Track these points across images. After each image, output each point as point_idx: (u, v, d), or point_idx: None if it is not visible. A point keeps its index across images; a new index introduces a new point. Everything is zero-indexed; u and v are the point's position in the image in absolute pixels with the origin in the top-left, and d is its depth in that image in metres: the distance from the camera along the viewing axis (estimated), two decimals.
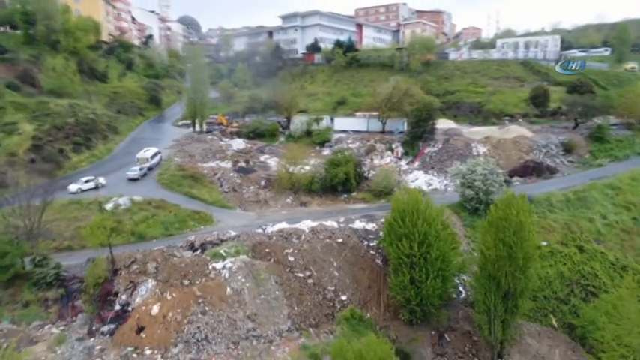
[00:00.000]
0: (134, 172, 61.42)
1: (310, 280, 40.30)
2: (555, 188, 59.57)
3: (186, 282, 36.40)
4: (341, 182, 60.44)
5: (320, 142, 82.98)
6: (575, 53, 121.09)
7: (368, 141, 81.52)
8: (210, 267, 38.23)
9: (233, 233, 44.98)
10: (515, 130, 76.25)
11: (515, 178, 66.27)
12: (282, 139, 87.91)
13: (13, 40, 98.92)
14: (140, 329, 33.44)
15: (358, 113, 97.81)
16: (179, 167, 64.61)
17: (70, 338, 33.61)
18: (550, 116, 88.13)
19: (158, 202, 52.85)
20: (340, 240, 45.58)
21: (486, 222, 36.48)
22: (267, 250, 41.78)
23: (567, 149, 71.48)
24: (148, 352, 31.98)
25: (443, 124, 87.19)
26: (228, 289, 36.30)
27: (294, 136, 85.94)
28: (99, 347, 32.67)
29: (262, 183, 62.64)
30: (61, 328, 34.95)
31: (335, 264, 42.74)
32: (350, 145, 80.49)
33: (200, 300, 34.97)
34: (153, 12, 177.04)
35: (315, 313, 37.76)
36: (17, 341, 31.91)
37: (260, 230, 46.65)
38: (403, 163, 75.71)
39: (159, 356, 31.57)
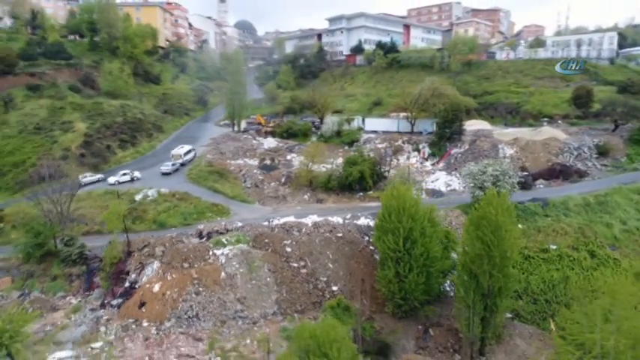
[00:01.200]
0: (167, 167, 66.95)
1: (304, 270, 42.78)
2: (579, 192, 57.76)
3: (186, 265, 40.23)
4: (356, 180, 62.17)
5: (349, 142, 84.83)
6: (637, 51, 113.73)
7: (396, 141, 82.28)
8: (210, 253, 41.85)
9: (240, 224, 48.49)
10: (548, 132, 73.86)
11: (539, 181, 64.71)
12: (314, 138, 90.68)
13: (80, 48, 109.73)
14: (142, 304, 37.67)
15: (393, 114, 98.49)
16: (208, 163, 69.41)
17: (85, 308, 38.56)
18: (593, 117, 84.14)
19: (182, 194, 57.59)
20: (340, 234, 47.61)
21: (468, 220, 37.13)
22: (266, 240, 44.76)
23: (602, 152, 68.40)
24: (145, 324, 36.06)
25: (477, 125, 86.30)
26: (223, 274, 39.68)
27: (324, 136, 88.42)
28: (106, 317, 37.26)
29: (282, 180, 65.83)
30: (79, 299, 40.13)
31: (331, 257, 44.89)
32: (377, 145, 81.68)
33: (196, 282, 38.65)
34: (210, 18, 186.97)
35: (302, 300, 40.20)
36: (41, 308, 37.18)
37: (266, 223, 49.74)
38: (428, 163, 76.00)
39: (153, 328, 35.50)
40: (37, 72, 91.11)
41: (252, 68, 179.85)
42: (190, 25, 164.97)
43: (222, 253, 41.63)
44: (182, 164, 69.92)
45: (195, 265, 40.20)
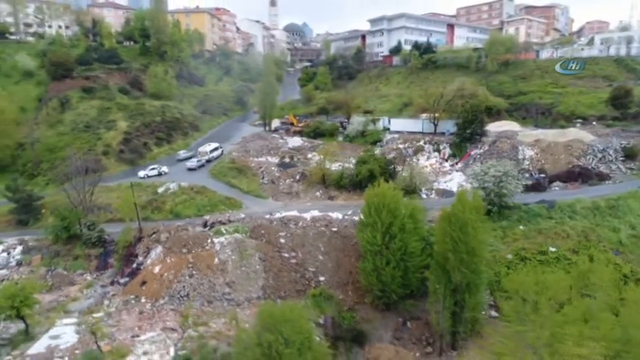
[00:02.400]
0: (192, 163, 72.32)
1: (294, 260, 45.64)
2: (595, 195, 56.16)
3: (184, 250, 44.40)
4: (365, 178, 63.93)
5: (372, 142, 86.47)
6: None
7: (418, 142, 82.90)
8: (209, 241, 45.79)
9: (242, 216, 52.18)
10: (572, 134, 71.59)
11: (556, 183, 63.23)
12: (340, 138, 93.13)
13: (131, 52, 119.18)
14: (143, 283, 42.25)
15: (423, 115, 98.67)
16: (231, 160, 74.01)
17: (96, 285, 43.85)
18: (632, 119, 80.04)
19: (199, 188, 62.32)
20: (335, 229, 49.99)
21: (440, 217, 38.30)
22: (262, 231, 48.06)
23: (629, 155, 65.53)
24: (143, 300, 40.52)
25: (505, 126, 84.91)
26: (216, 260, 43.45)
27: (349, 136, 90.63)
28: (112, 293, 42.23)
29: (297, 177, 68.95)
30: (94, 277, 45.53)
31: (322, 249, 47.43)
32: (399, 145, 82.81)
33: (190, 265, 42.70)
34: (258, 21, 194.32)
35: (288, 287, 43.06)
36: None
37: (268, 216, 53.04)
38: (447, 164, 76.16)
39: (149, 304, 39.86)
40: (92, 75, 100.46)
41: (298, 70, 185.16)
42: (238, 29, 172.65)
43: (219, 241, 45.40)
44: (208, 161, 74.95)
45: (193, 251, 44.27)
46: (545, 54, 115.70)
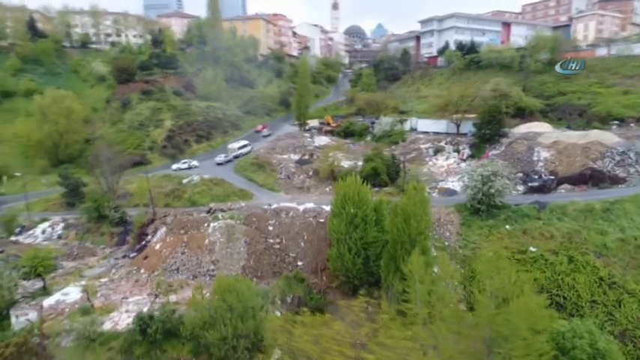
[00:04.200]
0: (220, 158, 79.81)
1: (277, 246, 50.65)
2: (598, 198, 54.98)
3: (182, 232, 51.15)
4: (369, 175, 67.03)
5: (396, 142, 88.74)
6: None
7: (440, 142, 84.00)
8: (205, 225, 52.17)
9: (242, 205, 57.98)
10: (594, 135, 69.14)
11: (564, 185, 62.05)
12: (368, 138, 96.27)
13: (189, 58, 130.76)
14: (145, 257, 49.59)
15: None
16: (255, 157, 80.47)
17: (111, 257, 51.99)
18: None
19: (218, 180, 69.25)
20: (322, 220, 54.10)
21: (392, 209, 41.17)
22: (254, 219, 53.54)
23: None
24: (142, 271, 47.79)
25: (537, 127, 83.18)
26: (207, 241, 49.67)
27: (376, 136, 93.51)
28: (120, 264, 50.07)
29: (310, 173, 73.67)
30: (111, 251, 53.75)
31: (305, 237, 51.89)
32: (420, 145, 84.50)
33: (184, 244, 49.30)
34: (316, 25, 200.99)
35: (266, 269, 48.16)
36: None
37: (266, 206, 58.35)
38: (464, 164, 76.62)
39: (146, 275, 46.98)
40: (151, 79, 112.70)
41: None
42: (294, 33, 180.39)
43: (213, 226, 51.60)
44: (235, 157, 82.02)
45: (189, 232, 50.88)
46: (601, 51, 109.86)
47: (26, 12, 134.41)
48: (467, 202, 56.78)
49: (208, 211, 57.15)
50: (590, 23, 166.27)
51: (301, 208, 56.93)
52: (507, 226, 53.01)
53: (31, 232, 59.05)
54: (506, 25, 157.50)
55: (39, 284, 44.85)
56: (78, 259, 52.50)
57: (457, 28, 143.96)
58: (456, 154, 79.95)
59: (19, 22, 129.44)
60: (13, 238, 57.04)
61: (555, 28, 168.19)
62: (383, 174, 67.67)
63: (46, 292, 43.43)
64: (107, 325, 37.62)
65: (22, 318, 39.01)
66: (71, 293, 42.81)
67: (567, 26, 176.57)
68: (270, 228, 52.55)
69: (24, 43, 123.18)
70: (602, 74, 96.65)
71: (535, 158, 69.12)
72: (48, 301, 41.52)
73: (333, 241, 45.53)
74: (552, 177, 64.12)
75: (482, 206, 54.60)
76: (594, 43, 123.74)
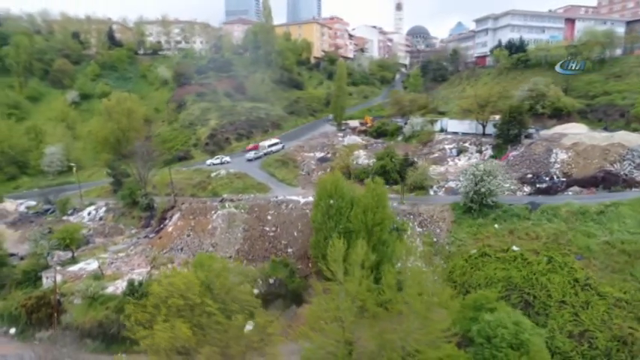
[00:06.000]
0: (251, 155, 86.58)
1: (271, 234, 55.71)
2: (596, 201, 53.75)
3: (191, 217, 58.02)
4: (379, 173, 69.79)
5: (424, 142, 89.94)
6: None
7: (464, 142, 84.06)
8: (212, 212, 58.65)
9: (250, 197, 63.76)
10: (620, 137, 66.16)
11: (573, 188, 60.54)
12: (399, 138, 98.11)
13: (243, 61, 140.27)
14: (159, 238, 57.12)
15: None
16: (283, 154, 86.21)
17: (134, 237, 60.28)
18: None
19: (241, 174, 75.77)
20: None
21: (355, 202, 44.44)
22: (256, 209, 59.06)
23: None
24: (154, 249, 55.26)
25: (572, 128, 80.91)
26: (210, 226, 56.07)
27: (406, 136, 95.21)
28: (139, 243, 58.11)
29: (328, 170, 77.68)
30: (136, 231, 62.17)
31: (299, 227, 56.39)
32: (445, 146, 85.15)
33: (190, 228, 56.11)
34: (374, 27, 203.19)
35: (257, 253, 53.41)
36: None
37: (273, 198, 63.58)
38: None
39: (155, 252, 54.33)
40: (205, 82, 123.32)
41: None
42: (351, 35, 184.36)
43: (218, 213, 57.93)
44: (266, 154, 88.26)
45: (197, 218, 57.63)
46: None
47: (107, 24, 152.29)
48: (461, 200, 57.86)
49: (221, 201, 63.65)
50: None
51: (303, 200, 61.37)
52: (496, 225, 53.56)
53: (80, 213, 69.71)
54: (570, 21, 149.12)
55: (71, 254, 54.04)
56: (108, 236, 61.67)
57: (512, 26, 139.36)
58: (478, 154, 79.71)
59: (101, 33, 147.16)
60: (64, 218, 67.88)
61: (631, 22, 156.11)
62: (393, 172, 69.97)
63: (74, 261, 52.41)
64: (110, 290, 45.11)
65: (50, 279, 47.83)
66: (92, 263, 51.24)
67: None
68: (269, 217, 57.71)
69: (103, 51, 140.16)
70: None
71: (552, 160, 67.59)
72: (72, 269, 50.22)
73: (314, 230, 49.59)
74: (564, 179, 62.64)
75: (474, 205, 55.53)
76: None
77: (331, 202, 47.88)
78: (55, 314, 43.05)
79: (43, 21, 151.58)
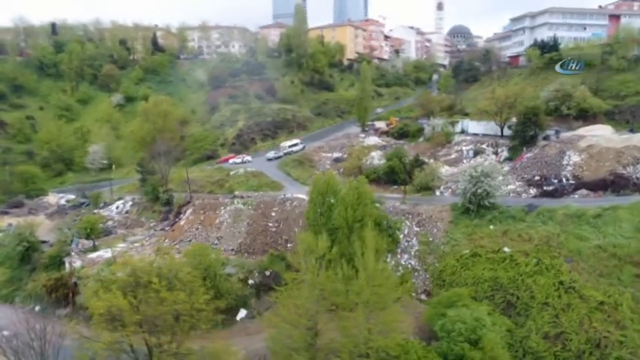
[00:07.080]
0: (271, 154, 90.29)
1: (273, 229, 58.81)
2: (595, 204, 52.87)
3: (202, 212, 62.20)
4: (386, 173, 71.21)
5: (443, 143, 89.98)
6: None
7: (482, 144, 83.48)
8: (221, 208, 62.57)
9: (259, 194, 67.13)
10: (638, 139, 63.83)
11: (580, 191, 59.38)
12: (420, 139, 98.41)
13: (277, 64, 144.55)
14: (173, 230, 61.73)
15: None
16: (301, 154, 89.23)
17: (152, 229, 65.32)
18: None
19: (257, 173, 79.43)
20: None
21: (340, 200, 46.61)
22: (262, 206, 62.36)
23: None
24: (166, 240, 59.89)
25: (597, 130, 78.58)
26: (217, 220, 59.98)
27: (426, 137, 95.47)
28: (155, 235, 62.94)
29: (341, 169, 79.85)
30: (155, 224, 67.29)
31: (300, 224, 59.04)
32: (463, 147, 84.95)
33: (199, 222, 60.26)
34: (412, 27, 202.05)
35: (257, 247, 56.64)
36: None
37: (282, 195, 66.55)
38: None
39: (167, 243, 58.85)
40: (238, 85, 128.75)
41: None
42: (386, 37, 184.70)
43: (226, 209, 61.75)
44: (286, 154, 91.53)
45: (206, 213, 61.75)
46: None
47: (152, 30, 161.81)
48: (459, 201, 58.34)
49: (232, 198, 67.50)
50: None
51: (306, 198, 63.95)
52: (491, 227, 53.80)
53: (110, 207, 76.13)
54: (615, 17, 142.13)
55: (92, 243, 59.82)
56: (129, 228, 67.20)
57: (550, 24, 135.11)
58: (494, 156, 79.01)
59: (146, 40, 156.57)
60: (96, 211, 74.38)
61: None
62: (401, 173, 71.11)
63: (94, 249, 57.96)
64: (120, 275, 49.73)
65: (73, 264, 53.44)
66: (109, 252, 56.43)
67: None
68: (273, 214, 60.83)
69: (147, 56, 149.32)
70: None
71: (565, 162, 66.30)
72: (92, 256, 55.68)
73: (308, 226, 52.10)
74: (573, 182, 61.42)
75: (472, 206, 55.94)
76: None
77: (332, 200, 50.18)
78: (71, 294, 48.32)
79: (95, 29, 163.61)
